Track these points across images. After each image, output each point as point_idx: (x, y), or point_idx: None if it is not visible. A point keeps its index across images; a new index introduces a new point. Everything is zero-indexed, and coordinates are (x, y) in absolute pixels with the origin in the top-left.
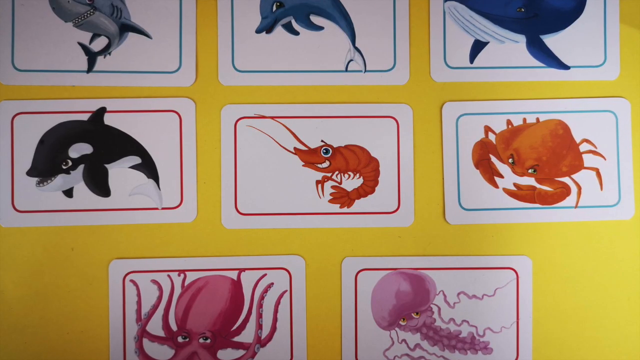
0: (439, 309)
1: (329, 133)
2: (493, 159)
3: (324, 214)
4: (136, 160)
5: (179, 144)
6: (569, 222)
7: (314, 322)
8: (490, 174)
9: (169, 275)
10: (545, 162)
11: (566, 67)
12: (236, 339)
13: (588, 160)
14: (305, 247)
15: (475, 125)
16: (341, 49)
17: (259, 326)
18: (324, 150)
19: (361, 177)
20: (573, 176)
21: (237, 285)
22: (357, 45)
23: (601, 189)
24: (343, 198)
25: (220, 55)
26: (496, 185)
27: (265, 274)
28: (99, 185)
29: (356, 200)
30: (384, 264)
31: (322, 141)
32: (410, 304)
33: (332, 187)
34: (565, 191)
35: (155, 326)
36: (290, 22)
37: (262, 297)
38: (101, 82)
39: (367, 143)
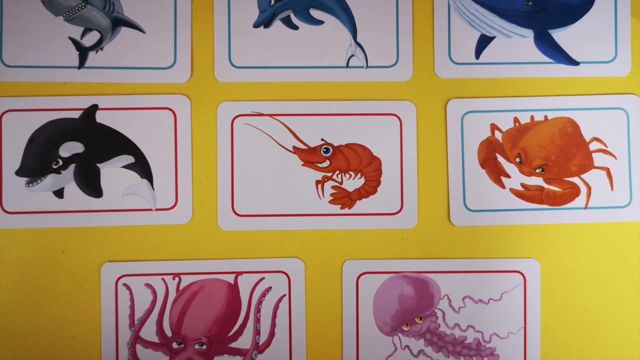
0: (444, 313)
1: (329, 131)
2: (499, 158)
3: (324, 215)
4: (129, 159)
5: (174, 142)
6: (578, 224)
7: (313, 327)
8: (497, 174)
9: (163, 279)
10: (553, 161)
11: (575, 63)
12: (233, 345)
13: (598, 159)
14: (304, 250)
15: (481, 123)
16: (342, 44)
17: (257, 332)
18: (324, 149)
19: (363, 177)
20: (582, 176)
21: (234, 289)
22: (358, 40)
23: (612, 189)
24: (344, 199)
25: (216, 51)
26: (503, 186)
27: (263, 278)
28: (91, 185)
29: (357, 201)
30: (386, 267)
31: (322, 140)
32: (413, 309)
33: (333, 187)
34: (574, 192)
35: (149, 332)
36: (289, 16)
37: (259, 302)
38: (93, 78)
39: (368, 142)
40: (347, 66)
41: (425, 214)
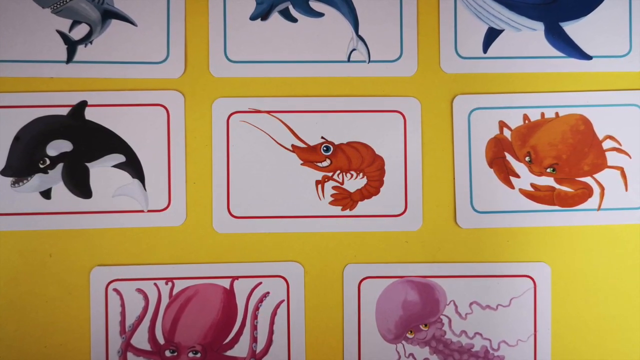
0: (450, 320)
1: (329, 129)
2: (508, 157)
3: (324, 217)
4: (120, 158)
5: (167, 140)
6: (590, 226)
7: (313, 334)
8: (506, 174)
9: (155, 284)
10: (565, 160)
11: (588, 57)
12: (229, 353)
13: (612, 158)
14: (304, 253)
15: (489, 121)
16: (343, 37)
17: (254, 339)
18: (325, 148)
19: (365, 177)
20: (595, 176)
21: (229, 294)
22: (360, 33)
23: (626, 189)
24: (345, 200)
25: (211, 45)
26: (512, 186)
27: (260, 283)
28: (80, 185)
29: (359, 202)
30: (389, 272)
31: (322, 138)
32: (418, 315)
33: (333, 187)
34: (586, 192)
35: (140, 339)
36: (287, 8)
37: (257, 308)
38: (82, 73)
39: (371, 140)
40: (349, 61)
41: (430, 216)
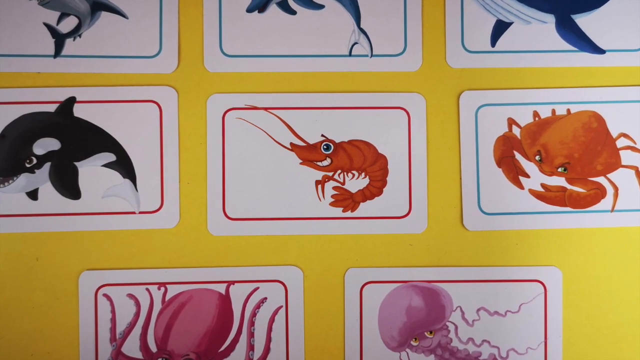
0: (456, 327)
1: (330, 126)
2: (517, 156)
3: (324, 219)
4: (110, 157)
5: (159, 138)
6: (604, 228)
7: (312, 342)
8: (515, 173)
9: (147, 289)
10: (577, 159)
11: (601, 51)
12: None
13: (626, 157)
14: (303, 257)
15: (497, 118)
16: (344, 30)
17: (251, 347)
18: (325, 146)
19: (367, 177)
20: (609, 175)
21: (225, 300)
22: (362, 26)
23: None
24: (346, 201)
25: (206, 38)
26: (521, 186)
27: (257, 287)
28: (68, 186)
29: (361, 203)
30: (392, 276)
31: (322, 136)
32: (423, 322)
33: (334, 188)
34: (599, 193)
35: (132, 347)
36: (286, 0)
37: (254, 314)
38: (70, 68)
39: (373, 138)
40: (350, 55)
41: (435, 218)
